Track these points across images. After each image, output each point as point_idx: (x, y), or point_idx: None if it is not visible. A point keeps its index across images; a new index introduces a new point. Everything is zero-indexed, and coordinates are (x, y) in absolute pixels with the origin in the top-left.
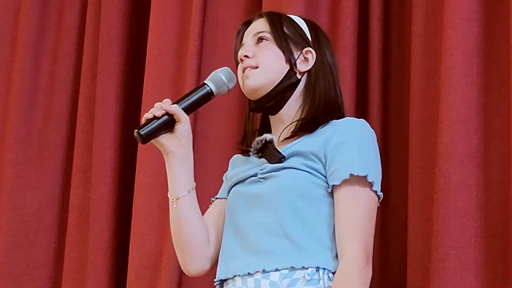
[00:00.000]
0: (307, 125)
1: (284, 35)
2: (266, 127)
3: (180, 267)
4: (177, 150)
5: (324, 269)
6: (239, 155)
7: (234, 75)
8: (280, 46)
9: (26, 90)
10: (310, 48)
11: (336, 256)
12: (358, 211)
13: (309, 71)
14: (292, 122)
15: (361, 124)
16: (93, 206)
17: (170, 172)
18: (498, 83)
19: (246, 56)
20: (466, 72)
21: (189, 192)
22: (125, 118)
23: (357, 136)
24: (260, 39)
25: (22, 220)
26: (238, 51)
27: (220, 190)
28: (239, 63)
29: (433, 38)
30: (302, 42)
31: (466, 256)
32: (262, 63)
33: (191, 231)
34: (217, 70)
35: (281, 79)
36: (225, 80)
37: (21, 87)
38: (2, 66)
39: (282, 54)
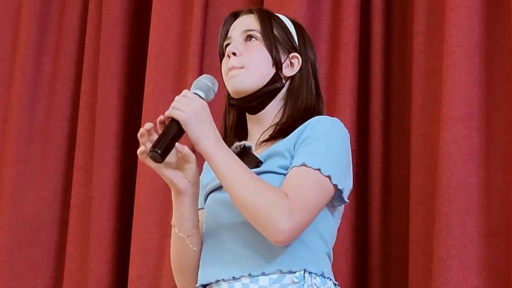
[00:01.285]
0: (285, 130)
1: (274, 37)
2: (240, 124)
3: None
4: (189, 189)
5: (310, 272)
6: None
7: (215, 80)
8: (269, 48)
9: (28, 88)
10: (296, 54)
11: (323, 257)
12: (305, 180)
13: (293, 76)
14: (271, 126)
15: (333, 122)
16: (94, 205)
17: (180, 211)
18: (500, 81)
19: (233, 53)
20: (468, 71)
21: (197, 227)
22: (127, 117)
23: (325, 132)
24: (249, 37)
25: (23, 219)
26: (223, 42)
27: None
28: (223, 54)
29: (434, 36)
30: (289, 46)
31: (467, 255)
32: (249, 65)
33: (197, 259)
34: (197, 79)
35: (266, 82)
36: (210, 85)
37: (23, 86)
38: (3, 64)
39: (270, 57)
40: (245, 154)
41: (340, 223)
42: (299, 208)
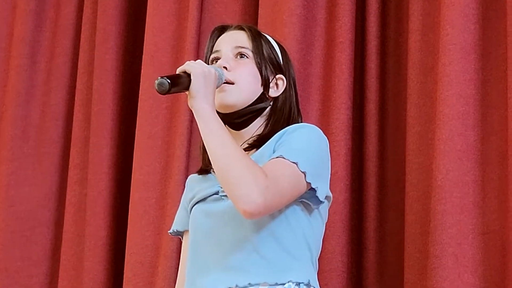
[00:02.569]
0: (265, 139)
1: (264, 57)
2: None
3: (177, 264)
4: None
5: (297, 283)
6: (194, 175)
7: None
8: (259, 68)
9: (23, 86)
10: (282, 76)
11: (308, 266)
12: (282, 169)
13: (277, 97)
14: (251, 137)
15: (312, 127)
16: (89, 203)
17: None
18: (496, 79)
19: (225, 67)
20: (464, 69)
21: None
22: (122, 114)
23: (304, 134)
24: (240, 55)
25: (18, 217)
26: (209, 55)
27: (184, 221)
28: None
29: (430, 34)
30: (276, 68)
31: (463, 253)
32: (239, 81)
33: None
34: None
35: (253, 100)
36: (221, 73)
37: (18, 84)
38: None
39: (259, 76)
40: None
41: (335, 221)
42: (274, 188)
